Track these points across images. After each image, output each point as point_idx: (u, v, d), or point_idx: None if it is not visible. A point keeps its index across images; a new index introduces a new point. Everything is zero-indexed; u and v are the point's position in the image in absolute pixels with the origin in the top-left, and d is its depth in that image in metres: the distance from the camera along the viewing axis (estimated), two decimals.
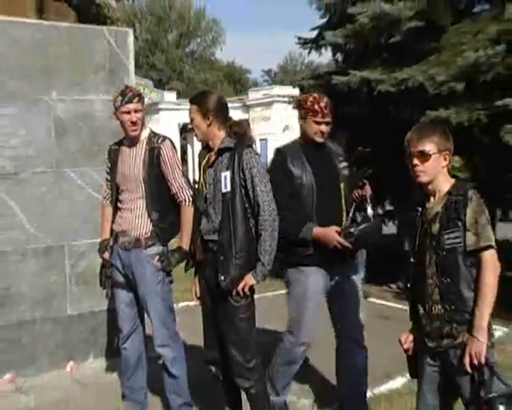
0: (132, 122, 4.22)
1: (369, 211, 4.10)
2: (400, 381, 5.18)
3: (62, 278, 5.49)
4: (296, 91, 11.63)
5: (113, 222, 4.46)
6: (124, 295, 4.44)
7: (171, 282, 4.37)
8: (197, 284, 4.10)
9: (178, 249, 4.24)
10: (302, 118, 4.27)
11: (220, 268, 3.74)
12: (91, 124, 5.61)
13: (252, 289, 3.83)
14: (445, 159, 3.00)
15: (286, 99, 15.71)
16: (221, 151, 3.87)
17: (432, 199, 3.04)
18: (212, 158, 3.92)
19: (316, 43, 10.37)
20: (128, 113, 4.20)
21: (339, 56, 10.64)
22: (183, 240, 4.19)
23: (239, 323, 3.82)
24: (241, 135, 3.94)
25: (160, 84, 53.85)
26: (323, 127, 4.20)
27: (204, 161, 3.98)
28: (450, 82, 7.34)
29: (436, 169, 2.98)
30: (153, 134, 4.38)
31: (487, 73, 7.06)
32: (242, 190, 3.78)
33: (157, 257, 4.25)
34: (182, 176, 4.29)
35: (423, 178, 2.99)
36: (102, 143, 5.34)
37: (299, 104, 4.34)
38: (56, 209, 5.44)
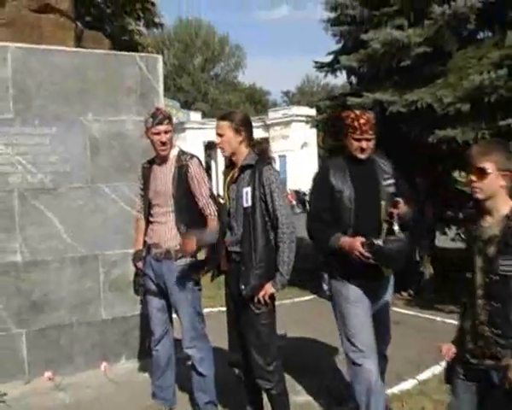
0: (162, 142, 4.24)
1: (396, 228, 3.81)
2: (411, 382, 5.14)
3: (97, 285, 5.52)
4: (313, 111, 11.64)
5: (145, 234, 4.47)
6: (156, 302, 4.46)
7: (199, 290, 4.37)
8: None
9: (205, 260, 4.25)
10: (344, 134, 4.04)
11: (241, 278, 3.72)
12: (123, 142, 5.64)
13: (272, 297, 3.81)
14: (505, 179, 2.76)
15: (303, 118, 15.69)
16: (243, 168, 3.86)
17: (489, 219, 2.81)
18: (236, 174, 3.90)
19: (331, 67, 10.34)
20: (158, 134, 4.23)
21: (353, 79, 10.61)
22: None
23: (260, 328, 3.80)
24: (262, 153, 3.93)
25: (187, 105, 54.19)
26: (364, 143, 3.94)
27: (228, 178, 3.97)
28: (456, 103, 7.31)
29: (493, 188, 2.75)
30: (181, 152, 4.39)
31: (491, 94, 7.02)
32: (262, 204, 3.75)
33: (186, 268, 4.25)
34: (208, 192, 4.29)
35: (479, 195, 2.78)
36: (134, 160, 5.37)
37: (341, 120, 4.11)
38: (91, 221, 5.48)
